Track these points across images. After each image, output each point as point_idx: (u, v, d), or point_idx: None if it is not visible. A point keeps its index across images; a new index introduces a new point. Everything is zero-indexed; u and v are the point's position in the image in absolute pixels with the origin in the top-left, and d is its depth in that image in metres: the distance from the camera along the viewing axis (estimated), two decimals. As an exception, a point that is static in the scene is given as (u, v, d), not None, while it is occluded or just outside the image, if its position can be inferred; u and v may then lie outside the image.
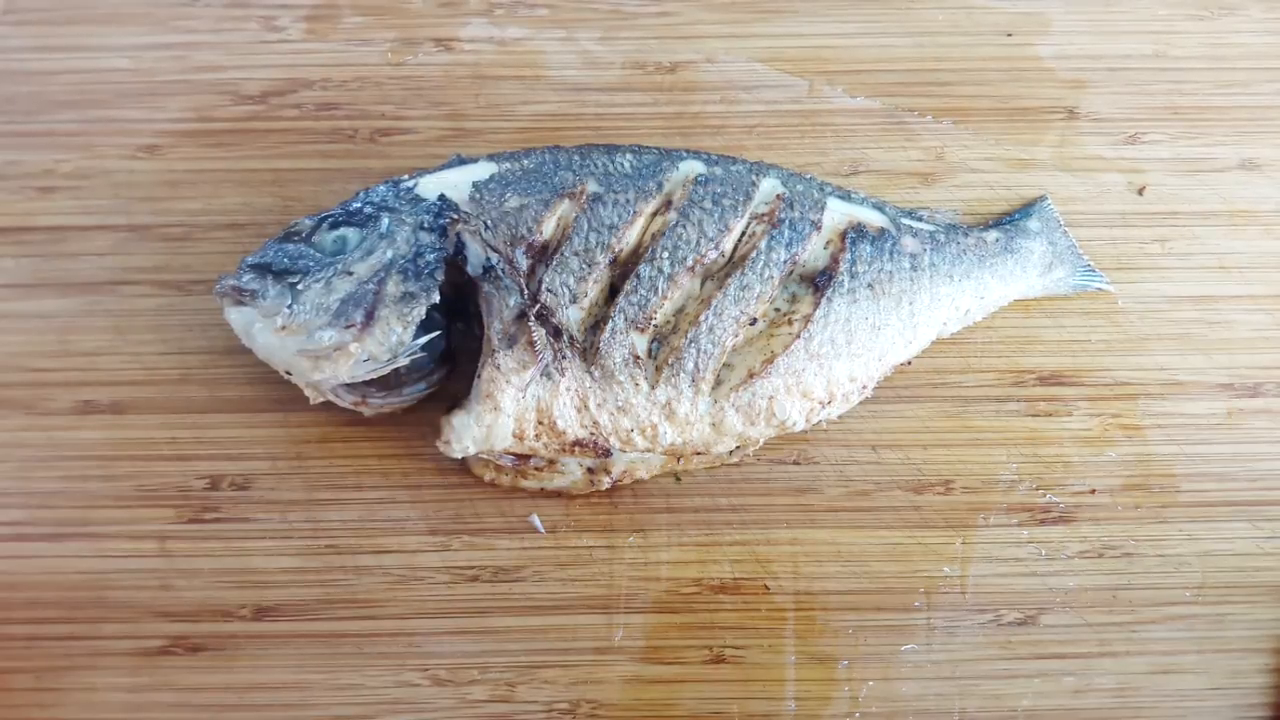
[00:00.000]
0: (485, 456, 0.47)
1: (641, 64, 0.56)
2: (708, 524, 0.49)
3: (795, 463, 0.50)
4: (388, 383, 0.48)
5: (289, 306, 0.44)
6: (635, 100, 0.55)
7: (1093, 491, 0.49)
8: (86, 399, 0.50)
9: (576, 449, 0.46)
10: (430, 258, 0.45)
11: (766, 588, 0.48)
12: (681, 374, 0.45)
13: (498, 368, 0.44)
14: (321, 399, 0.47)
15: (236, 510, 0.49)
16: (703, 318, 0.45)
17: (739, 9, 0.57)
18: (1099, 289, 0.52)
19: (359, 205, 0.47)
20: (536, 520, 0.49)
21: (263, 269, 0.46)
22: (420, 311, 0.44)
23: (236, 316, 0.45)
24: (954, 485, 0.49)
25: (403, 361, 0.45)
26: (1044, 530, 0.49)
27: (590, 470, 0.48)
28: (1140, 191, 0.54)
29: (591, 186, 0.47)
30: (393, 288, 0.44)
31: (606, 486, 0.48)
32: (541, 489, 0.48)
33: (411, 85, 0.55)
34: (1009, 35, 0.56)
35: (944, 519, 0.49)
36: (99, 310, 0.51)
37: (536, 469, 0.47)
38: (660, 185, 0.47)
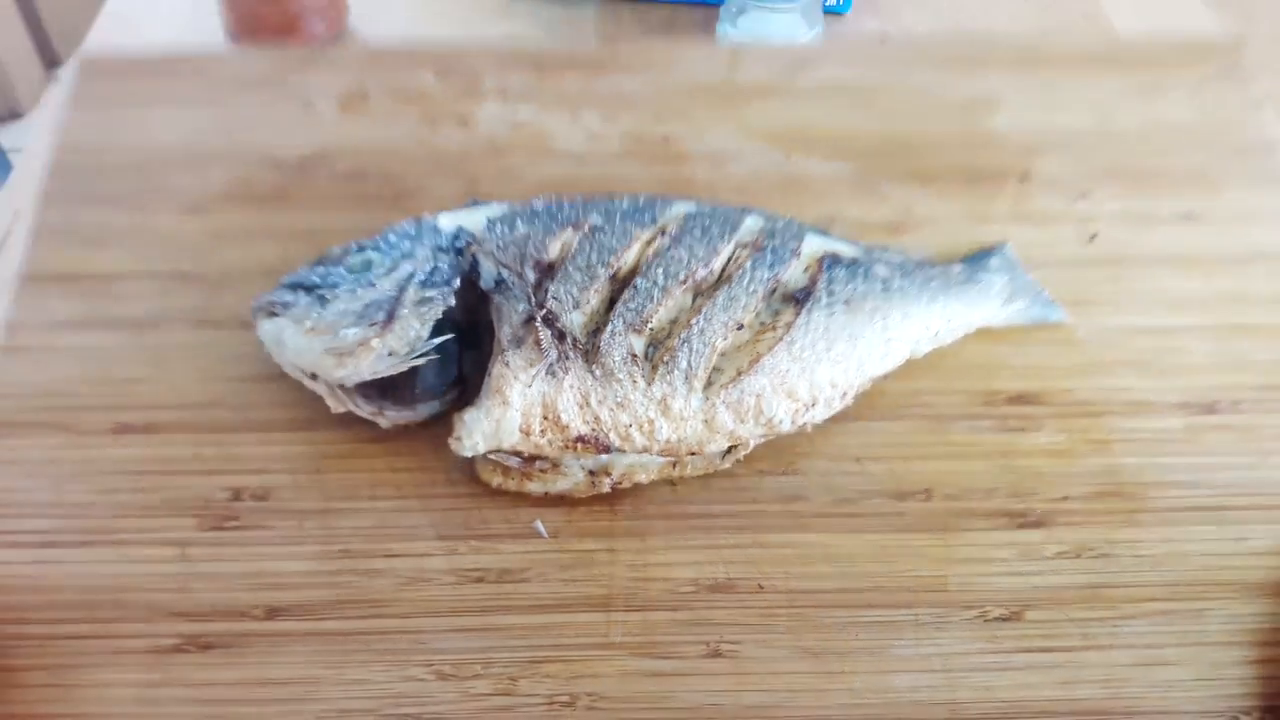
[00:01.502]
0: (493, 458, 0.50)
1: (638, 137, 0.62)
2: (703, 529, 0.51)
3: (784, 474, 0.53)
4: (403, 399, 0.52)
5: (318, 312, 0.49)
6: (632, 166, 0.61)
7: (1066, 499, 0.52)
8: (121, 421, 0.54)
9: (579, 445, 0.49)
10: (446, 270, 0.50)
11: (760, 586, 0.50)
12: (675, 371, 0.49)
13: (506, 365, 0.48)
14: (343, 409, 0.51)
15: (255, 519, 0.51)
16: (694, 322, 0.50)
17: (723, 95, 0.64)
18: (1057, 321, 0.56)
19: (383, 235, 0.52)
20: (540, 526, 0.51)
21: (295, 286, 0.50)
22: (437, 312, 0.49)
23: (269, 327, 0.50)
24: (934, 493, 0.52)
25: (418, 360, 0.49)
26: (1023, 534, 0.51)
27: (592, 473, 0.51)
28: (1091, 239, 0.59)
29: (594, 219, 0.53)
30: (413, 294, 0.49)
31: (607, 489, 0.51)
32: (546, 492, 0.51)
33: (433, 156, 0.62)
34: (965, 111, 0.63)
35: (926, 524, 0.51)
36: (139, 344, 0.56)
37: (541, 471, 0.50)
38: (655, 218, 0.53)
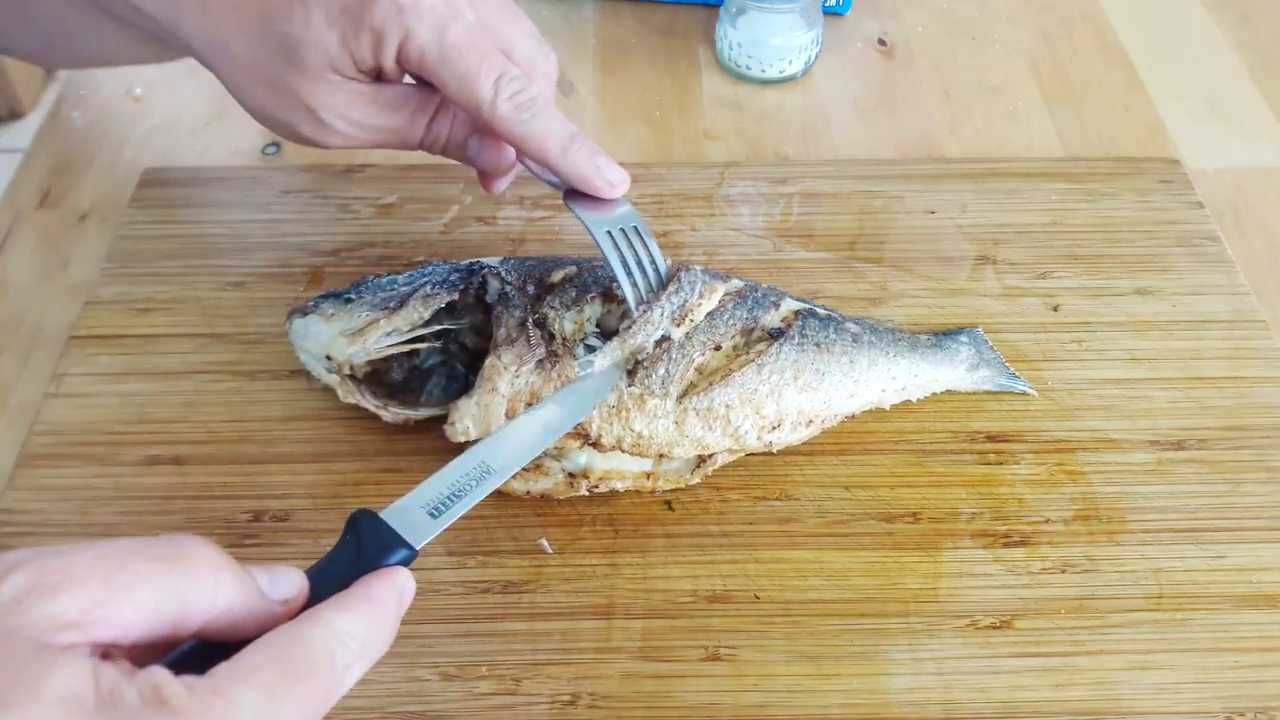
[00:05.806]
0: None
1: (640, 232, 0.69)
2: (701, 547, 0.54)
3: (777, 499, 0.55)
4: (407, 403, 0.57)
5: (341, 307, 0.56)
6: (634, 253, 0.68)
7: (1047, 521, 0.54)
8: (153, 454, 0.57)
9: None
10: (456, 279, 0.57)
11: (757, 597, 0.52)
12: (654, 376, 0.53)
13: (499, 358, 0.53)
14: (351, 399, 0.55)
15: (275, 537, 0.54)
16: (675, 338, 0.54)
17: (715, 202, 0.71)
18: (1022, 391, 0.60)
19: (411, 271, 0.59)
20: (545, 544, 0.54)
21: (327, 295, 0.58)
22: (440, 302, 0.56)
23: (299, 322, 0.56)
24: (921, 516, 0.55)
25: (419, 343, 0.55)
26: (1007, 552, 0.53)
27: (571, 475, 0.54)
28: (1055, 309, 0.64)
29: (597, 262, 0.59)
30: (423, 290, 0.56)
31: (584, 491, 0.54)
32: (527, 491, 0.54)
33: (456, 245, 0.68)
34: (932, 212, 0.70)
35: (914, 543, 0.54)
36: (176, 391, 0.60)
37: (524, 469, 0.53)
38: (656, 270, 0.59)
